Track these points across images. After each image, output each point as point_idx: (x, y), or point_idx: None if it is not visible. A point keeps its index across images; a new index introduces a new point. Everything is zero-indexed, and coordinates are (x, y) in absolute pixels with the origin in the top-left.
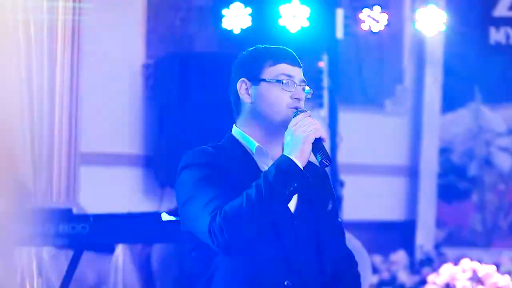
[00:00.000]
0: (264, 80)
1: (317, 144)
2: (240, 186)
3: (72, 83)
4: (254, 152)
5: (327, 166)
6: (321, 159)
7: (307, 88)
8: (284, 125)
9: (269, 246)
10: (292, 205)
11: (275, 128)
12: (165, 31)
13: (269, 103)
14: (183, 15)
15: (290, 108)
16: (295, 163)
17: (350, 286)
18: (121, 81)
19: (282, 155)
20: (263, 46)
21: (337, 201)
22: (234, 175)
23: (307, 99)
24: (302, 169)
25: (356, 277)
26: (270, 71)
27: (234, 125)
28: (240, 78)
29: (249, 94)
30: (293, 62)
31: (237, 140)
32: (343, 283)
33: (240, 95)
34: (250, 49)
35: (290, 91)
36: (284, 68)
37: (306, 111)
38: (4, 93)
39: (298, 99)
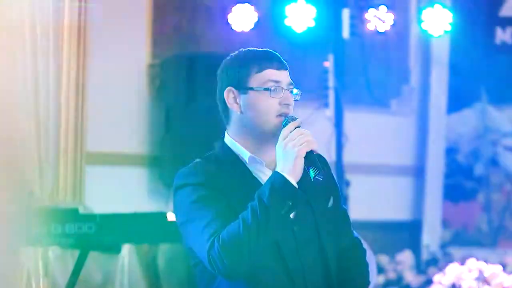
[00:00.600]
0: (251, 88)
1: (310, 158)
2: (236, 199)
3: (78, 83)
4: (247, 162)
5: (320, 181)
6: (315, 175)
7: (295, 90)
8: (274, 133)
9: (270, 258)
10: None
11: (266, 137)
12: (171, 31)
13: (258, 113)
14: (190, 15)
15: (279, 115)
16: (289, 181)
17: (357, 277)
18: (128, 81)
19: (275, 172)
20: (247, 50)
21: (341, 192)
22: (229, 188)
23: (312, 99)
24: (296, 186)
25: (363, 267)
26: (257, 78)
27: (226, 132)
28: (227, 86)
29: (237, 103)
30: (279, 65)
31: (230, 149)
32: (351, 274)
33: (228, 105)
34: (234, 54)
35: (279, 97)
36: (270, 73)
37: (296, 118)
38: (10, 93)
39: (287, 104)
